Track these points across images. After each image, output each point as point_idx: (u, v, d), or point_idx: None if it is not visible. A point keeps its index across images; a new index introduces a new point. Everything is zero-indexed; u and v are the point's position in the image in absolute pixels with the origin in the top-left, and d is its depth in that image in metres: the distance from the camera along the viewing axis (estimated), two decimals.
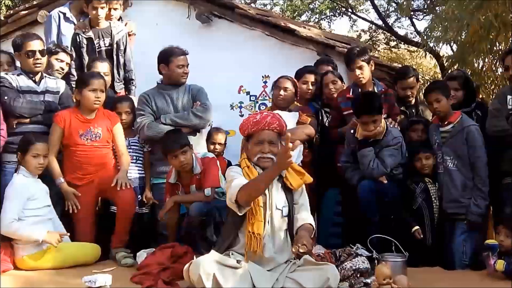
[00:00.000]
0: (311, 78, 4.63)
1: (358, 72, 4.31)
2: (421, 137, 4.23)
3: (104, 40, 4.84)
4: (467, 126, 3.87)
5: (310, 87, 4.62)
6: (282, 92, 4.32)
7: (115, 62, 4.86)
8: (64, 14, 5.10)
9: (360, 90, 4.35)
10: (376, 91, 4.39)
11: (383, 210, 3.89)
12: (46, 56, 4.21)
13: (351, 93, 4.38)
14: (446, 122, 3.97)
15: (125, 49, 4.93)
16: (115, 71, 4.86)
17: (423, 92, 4.46)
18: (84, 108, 3.97)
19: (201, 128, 4.32)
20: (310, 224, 3.10)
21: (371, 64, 4.40)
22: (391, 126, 4.09)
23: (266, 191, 3.06)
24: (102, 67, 4.50)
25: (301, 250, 2.75)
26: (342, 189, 4.32)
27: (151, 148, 4.34)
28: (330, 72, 4.71)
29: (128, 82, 4.97)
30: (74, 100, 4.13)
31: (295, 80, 4.46)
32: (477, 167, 3.83)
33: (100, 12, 4.77)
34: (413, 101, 4.71)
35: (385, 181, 3.93)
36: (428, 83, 5.65)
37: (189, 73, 4.33)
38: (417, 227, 3.88)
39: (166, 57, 4.25)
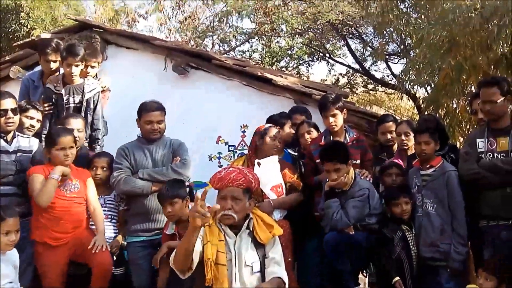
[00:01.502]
0: (289, 123, 4.70)
1: (331, 119, 4.37)
2: (395, 181, 4.20)
3: (74, 97, 4.79)
4: (448, 171, 3.91)
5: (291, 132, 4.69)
6: (277, 142, 4.32)
7: None
8: (33, 81, 5.03)
9: (332, 137, 4.39)
10: (347, 137, 4.43)
11: (355, 261, 3.85)
12: (19, 114, 4.16)
13: (323, 141, 4.41)
14: (428, 166, 4.00)
15: (95, 107, 4.87)
16: None
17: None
18: (55, 165, 3.89)
19: None
20: (279, 277, 2.98)
21: (344, 112, 4.46)
22: (362, 177, 4.09)
23: (232, 248, 3.00)
24: (76, 123, 4.44)
25: None
26: (320, 239, 4.25)
27: (127, 206, 4.27)
28: (306, 122, 4.73)
29: (93, 141, 4.88)
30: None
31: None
32: (456, 212, 3.83)
33: (73, 70, 4.71)
34: (395, 147, 4.73)
35: (352, 232, 3.90)
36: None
37: (160, 129, 4.20)
38: (397, 278, 3.80)
39: (139, 112, 4.23)
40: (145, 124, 4.16)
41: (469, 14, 5.60)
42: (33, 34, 9.00)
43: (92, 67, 5.00)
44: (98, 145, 4.90)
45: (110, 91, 5.35)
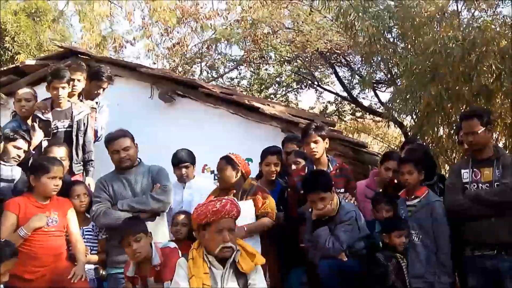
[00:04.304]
0: (273, 159, 4.59)
1: (313, 145, 4.36)
2: (384, 217, 4.14)
3: (63, 121, 4.82)
4: (433, 202, 3.95)
5: (273, 168, 4.58)
6: (218, 175, 4.34)
7: (74, 144, 4.82)
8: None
9: (314, 167, 4.37)
10: (331, 167, 4.42)
11: None
12: (3, 142, 4.11)
13: (306, 172, 4.37)
14: (413, 196, 4.02)
15: (86, 130, 4.90)
16: (74, 153, 4.79)
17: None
18: (39, 195, 3.84)
19: (161, 212, 4.15)
20: None
21: (326, 142, 4.45)
22: (346, 200, 4.09)
23: (219, 279, 3.00)
24: (59, 152, 4.42)
25: None
26: (306, 269, 4.18)
27: (107, 235, 4.18)
28: (294, 152, 4.68)
29: (86, 163, 4.90)
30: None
31: (234, 157, 4.32)
32: (441, 243, 3.85)
33: (61, 92, 4.77)
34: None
35: (345, 259, 3.87)
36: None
37: (129, 155, 4.08)
38: None
39: (105, 143, 4.18)
40: (113, 154, 4.09)
41: (451, 45, 5.70)
42: (17, 59, 8.97)
43: (78, 80, 5.04)
44: (92, 166, 4.93)
45: (96, 112, 5.33)
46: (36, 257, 3.74)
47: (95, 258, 4.18)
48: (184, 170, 4.74)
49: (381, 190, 4.48)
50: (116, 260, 4.01)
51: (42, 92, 5.11)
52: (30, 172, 3.93)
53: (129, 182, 4.09)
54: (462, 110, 5.48)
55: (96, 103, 5.43)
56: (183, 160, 4.78)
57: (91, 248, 4.17)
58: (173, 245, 3.79)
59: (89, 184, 4.67)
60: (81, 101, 5.19)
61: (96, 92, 5.36)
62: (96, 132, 5.32)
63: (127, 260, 3.69)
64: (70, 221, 3.94)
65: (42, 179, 3.79)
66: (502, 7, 7.08)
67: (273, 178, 4.61)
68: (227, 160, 4.30)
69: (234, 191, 4.22)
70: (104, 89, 5.40)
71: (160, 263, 3.57)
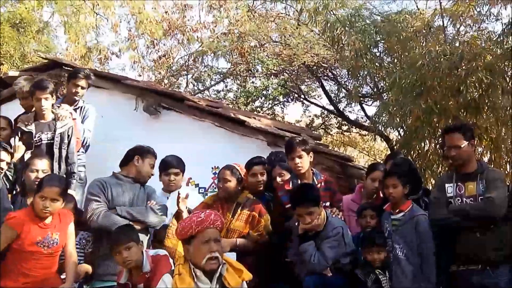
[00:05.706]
0: (259, 169, 4.57)
1: (297, 160, 4.34)
2: (369, 223, 4.15)
3: (47, 133, 4.75)
4: (417, 215, 3.91)
5: (259, 178, 4.55)
6: (221, 184, 4.26)
7: (56, 156, 4.73)
8: None
9: (299, 181, 4.34)
10: (315, 180, 4.40)
11: None
12: None
13: (290, 186, 4.35)
14: (397, 210, 3.98)
15: (69, 142, 4.83)
16: (56, 165, 4.69)
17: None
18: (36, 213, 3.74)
19: (154, 227, 4.12)
20: None
21: (310, 155, 4.43)
22: (333, 215, 4.06)
23: None
24: (41, 164, 4.30)
25: None
26: (292, 285, 4.12)
27: (91, 249, 4.11)
28: (278, 165, 4.65)
29: (69, 175, 4.79)
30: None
31: (239, 169, 4.33)
32: (425, 256, 3.81)
33: (43, 104, 4.70)
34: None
35: (330, 274, 3.83)
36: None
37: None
38: None
39: (144, 151, 4.22)
40: (150, 166, 4.23)
41: (439, 59, 5.74)
42: (0, 70, 8.84)
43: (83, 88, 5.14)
44: (74, 179, 4.83)
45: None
46: (28, 275, 3.67)
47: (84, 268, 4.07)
48: (172, 177, 4.59)
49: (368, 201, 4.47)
50: (105, 272, 3.93)
51: None
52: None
53: (127, 191, 4.08)
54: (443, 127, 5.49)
55: (80, 107, 5.34)
56: (172, 165, 4.62)
57: (79, 261, 4.04)
58: (163, 252, 3.77)
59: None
60: (58, 107, 5.06)
61: (74, 91, 5.22)
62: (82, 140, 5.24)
63: (120, 269, 3.65)
64: (69, 237, 3.86)
65: (35, 198, 3.70)
66: (487, 23, 7.15)
67: (261, 188, 4.56)
68: (232, 171, 4.26)
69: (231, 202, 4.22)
70: (82, 88, 5.25)
71: (150, 270, 3.55)
